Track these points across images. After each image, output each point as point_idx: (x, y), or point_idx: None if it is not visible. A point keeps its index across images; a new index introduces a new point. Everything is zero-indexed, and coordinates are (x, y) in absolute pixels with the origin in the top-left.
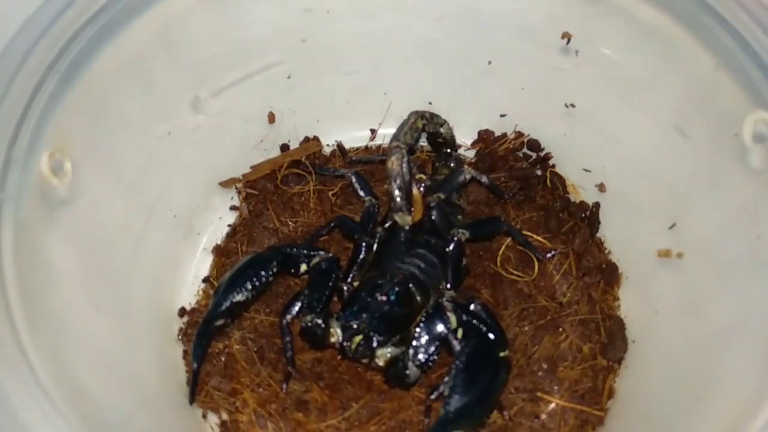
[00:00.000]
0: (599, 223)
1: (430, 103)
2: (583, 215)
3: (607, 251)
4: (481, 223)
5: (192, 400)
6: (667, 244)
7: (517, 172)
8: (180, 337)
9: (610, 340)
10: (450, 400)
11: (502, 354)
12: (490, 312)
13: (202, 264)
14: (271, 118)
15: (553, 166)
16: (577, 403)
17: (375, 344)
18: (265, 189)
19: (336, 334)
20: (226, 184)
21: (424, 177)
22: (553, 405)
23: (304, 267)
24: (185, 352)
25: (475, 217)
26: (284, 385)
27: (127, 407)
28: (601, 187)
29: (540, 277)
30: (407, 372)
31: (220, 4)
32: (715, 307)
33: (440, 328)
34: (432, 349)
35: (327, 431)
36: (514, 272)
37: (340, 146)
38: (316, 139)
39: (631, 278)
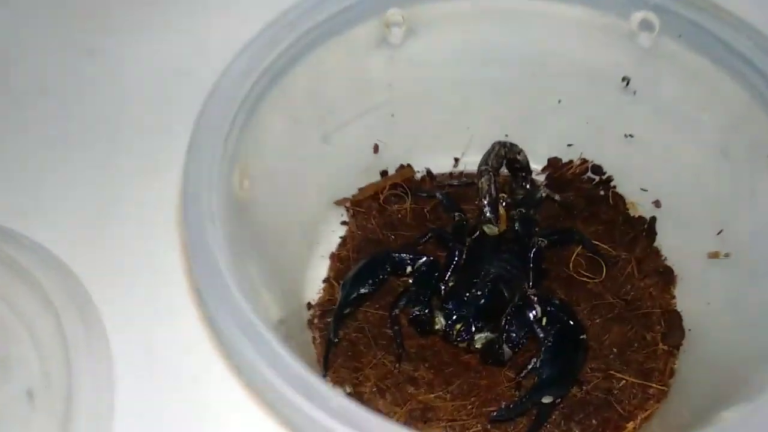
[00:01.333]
0: (656, 233)
1: (506, 136)
2: (642, 228)
3: (663, 257)
4: (557, 232)
5: (325, 371)
6: (716, 247)
7: (583, 192)
8: (309, 326)
9: (669, 329)
10: (542, 371)
11: (582, 337)
12: (568, 305)
13: (321, 267)
14: (376, 148)
15: (614, 186)
16: (644, 380)
17: (473, 329)
18: (370, 207)
19: (440, 322)
20: (339, 202)
21: (505, 196)
22: (623, 382)
23: (409, 269)
24: (313, 338)
25: (550, 229)
26: (397, 365)
27: None
28: (657, 203)
29: (607, 280)
30: (502, 352)
31: (349, 59)
32: (757, 297)
33: (529, 316)
34: (522, 333)
35: (435, 401)
36: (585, 274)
37: (429, 172)
38: (409, 166)
39: (686, 278)
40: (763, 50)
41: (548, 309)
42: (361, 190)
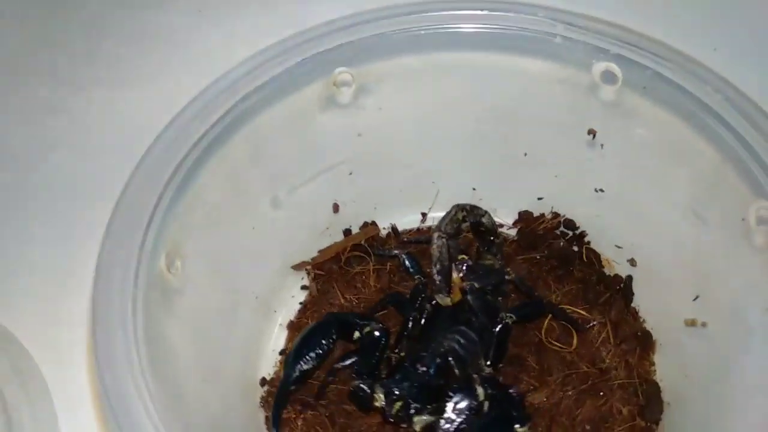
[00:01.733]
0: (633, 294)
1: (474, 189)
2: (618, 287)
3: (641, 320)
4: (525, 305)
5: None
6: (692, 314)
7: (556, 248)
8: (262, 404)
9: (647, 403)
10: None
11: (518, 429)
12: (520, 398)
13: (278, 338)
14: (336, 208)
15: (588, 243)
16: None
17: (412, 411)
18: (330, 270)
19: (379, 399)
20: (297, 267)
21: (466, 257)
22: None
23: (357, 334)
24: (266, 418)
25: (518, 302)
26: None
27: None
28: (632, 262)
29: (581, 346)
30: None
31: (297, 121)
32: (738, 371)
33: (468, 401)
34: (461, 419)
35: None
36: (556, 343)
37: (393, 228)
38: (374, 223)
39: (665, 344)
40: (734, 106)
41: (490, 392)
42: (321, 251)
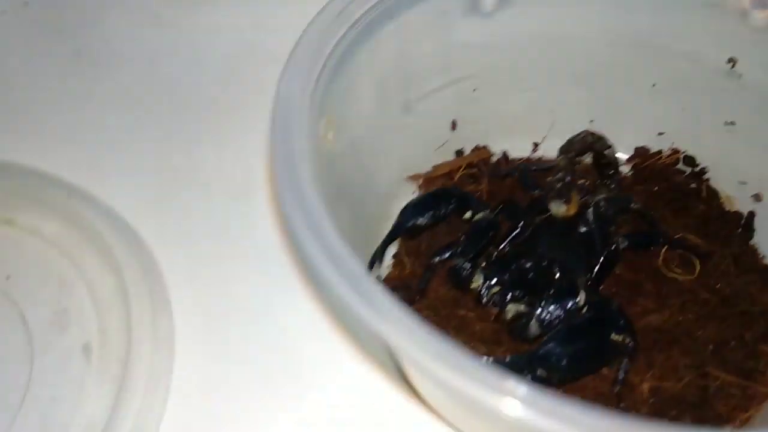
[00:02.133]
0: (754, 230)
1: (591, 121)
2: (739, 223)
3: (762, 256)
4: (641, 234)
5: (371, 267)
6: None
7: (673, 184)
8: None
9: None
10: (546, 343)
11: (613, 336)
12: (622, 312)
13: (393, 244)
14: (453, 125)
15: (708, 179)
16: (743, 380)
17: (508, 298)
18: (443, 186)
19: (478, 281)
20: (413, 177)
21: (584, 181)
22: (720, 380)
23: (469, 214)
24: None
25: (634, 230)
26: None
27: None
28: (757, 197)
29: (701, 276)
30: (529, 327)
31: (438, 23)
32: None
33: (569, 299)
34: (557, 314)
35: None
36: (677, 270)
37: (505, 154)
38: (485, 147)
39: None
40: None
41: (594, 301)
42: (435, 167)
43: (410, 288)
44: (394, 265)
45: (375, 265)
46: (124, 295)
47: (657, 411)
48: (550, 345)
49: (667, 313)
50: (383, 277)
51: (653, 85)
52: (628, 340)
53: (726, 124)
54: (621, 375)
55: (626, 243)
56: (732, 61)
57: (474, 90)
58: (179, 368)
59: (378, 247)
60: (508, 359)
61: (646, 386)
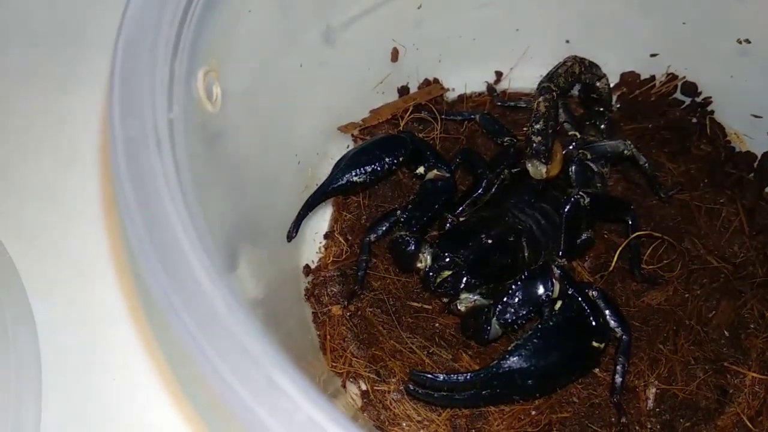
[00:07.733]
0: None
1: (567, 41)
2: (752, 167)
3: None
4: (609, 199)
5: (290, 238)
6: None
7: (669, 119)
8: (307, 297)
9: None
10: (510, 357)
11: (594, 344)
12: (608, 300)
13: (321, 219)
14: (395, 55)
15: (712, 112)
16: None
17: (463, 285)
18: None
19: (425, 260)
20: (345, 129)
21: (578, 135)
22: (741, 377)
23: (421, 170)
24: (314, 315)
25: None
26: (345, 302)
27: None
28: None
29: (708, 236)
30: (488, 327)
31: None
32: None
33: (539, 291)
34: (523, 311)
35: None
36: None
37: (490, 86)
38: (436, 81)
39: None
40: None
41: (569, 292)
42: (373, 112)
43: (347, 276)
44: (327, 247)
45: (291, 236)
46: None
47: (665, 425)
48: (513, 359)
49: (671, 287)
50: (315, 264)
51: None
52: (620, 333)
53: (739, 42)
54: (619, 380)
55: (586, 200)
56: None
57: (419, 7)
58: None
59: (299, 212)
60: (469, 376)
61: (651, 392)
